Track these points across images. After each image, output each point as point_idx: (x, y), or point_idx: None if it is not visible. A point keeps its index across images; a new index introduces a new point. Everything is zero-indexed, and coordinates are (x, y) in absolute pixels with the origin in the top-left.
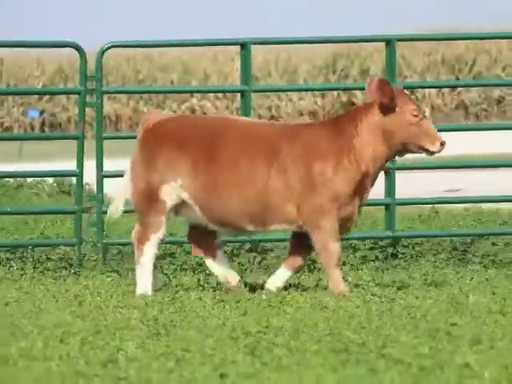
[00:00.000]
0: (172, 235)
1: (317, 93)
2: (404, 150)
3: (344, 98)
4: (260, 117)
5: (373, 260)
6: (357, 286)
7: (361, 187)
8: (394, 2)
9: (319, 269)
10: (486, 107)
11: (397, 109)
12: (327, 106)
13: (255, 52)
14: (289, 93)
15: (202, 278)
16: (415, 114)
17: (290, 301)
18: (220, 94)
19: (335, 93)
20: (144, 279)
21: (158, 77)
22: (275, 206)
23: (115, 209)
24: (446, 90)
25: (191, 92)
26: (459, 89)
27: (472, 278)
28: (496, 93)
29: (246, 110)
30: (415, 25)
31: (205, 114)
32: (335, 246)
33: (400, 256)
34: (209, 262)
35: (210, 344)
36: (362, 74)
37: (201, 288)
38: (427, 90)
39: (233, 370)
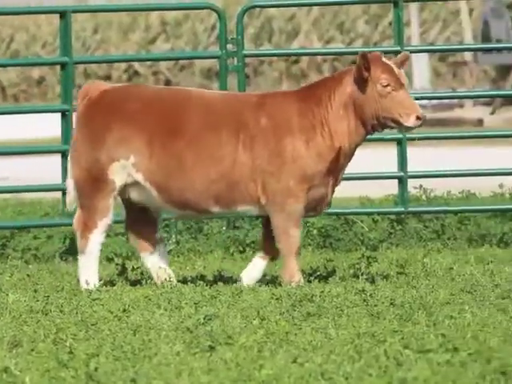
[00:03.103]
0: None
1: None
2: (379, 124)
3: None
4: None
5: None
6: None
7: (335, 166)
8: None
9: None
10: (26, 88)
11: (368, 79)
12: None
13: None
14: None
15: None
16: (385, 84)
17: None
18: None
19: None
20: (91, 269)
21: None
22: (240, 184)
23: (71, 198)
24: None
25: None
26: None
27: (12, 275)
28: (36, 72)
29: None
30: None
31: None
32: (297, 233)
33: None
34: (144, 256)
35: None
36: None
37: None
38: None
39: None
